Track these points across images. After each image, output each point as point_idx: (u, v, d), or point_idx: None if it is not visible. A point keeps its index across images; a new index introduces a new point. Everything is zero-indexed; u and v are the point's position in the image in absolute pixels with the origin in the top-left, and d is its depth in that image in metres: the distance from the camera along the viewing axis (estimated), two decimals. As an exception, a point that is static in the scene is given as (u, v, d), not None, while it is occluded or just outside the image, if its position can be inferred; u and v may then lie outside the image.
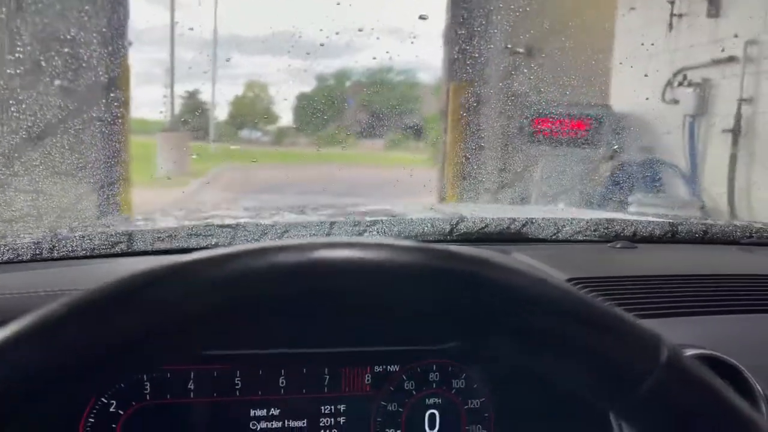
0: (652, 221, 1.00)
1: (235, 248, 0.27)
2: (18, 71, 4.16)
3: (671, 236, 0.91)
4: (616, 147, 3.83)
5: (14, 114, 4.09)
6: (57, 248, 0.66)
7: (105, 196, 4.27)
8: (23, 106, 4.09)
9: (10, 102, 4.13)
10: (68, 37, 4.14)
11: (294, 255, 0.27)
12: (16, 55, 4.11)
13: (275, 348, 0.32)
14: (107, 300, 0.26)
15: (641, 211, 3.16)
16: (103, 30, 4.21)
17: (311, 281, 0.27)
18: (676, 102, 3.42)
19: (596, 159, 3.82)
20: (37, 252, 0.65)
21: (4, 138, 4.07)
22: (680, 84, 3.38)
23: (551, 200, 3.84)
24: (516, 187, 4.62)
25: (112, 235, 0.74)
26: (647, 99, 3.62)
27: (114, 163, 4.30)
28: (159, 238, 0.71)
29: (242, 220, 0.89)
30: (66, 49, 4.18)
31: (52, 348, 0.25)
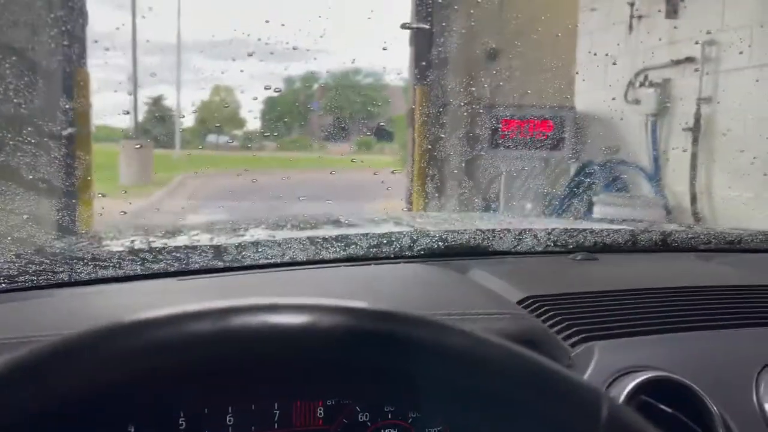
0: (613, 230, 0.99)
1: (148, 316, 0.25)
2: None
3: (632, 245, 0.91)
4: (579, 148, 3.87)
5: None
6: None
7: (64, 210, 4.15)
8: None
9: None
10: (24, 45, 4.02)
11: (207, 323, 0.25)
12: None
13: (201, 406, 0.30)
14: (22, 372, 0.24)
15: (605, 212, 3.19)
16: (61, 36, 4.10)
17: (226, 351, 0.25)
18: (638, 102, 3.47)
19: (561, 160, 3.86)
20: None
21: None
22: (642, 84, 3.43)
23: (517, 203, 3.86)
24: (481, 190, 4.64)
25: (49, 263, 0.70)
26: (610, 100, 3.67)
27: (74, 174, 4.19)
28: (102, 266, 0.67)
29: (198, 240, 0.87)
30: (20, 57, 4.05)
31: None
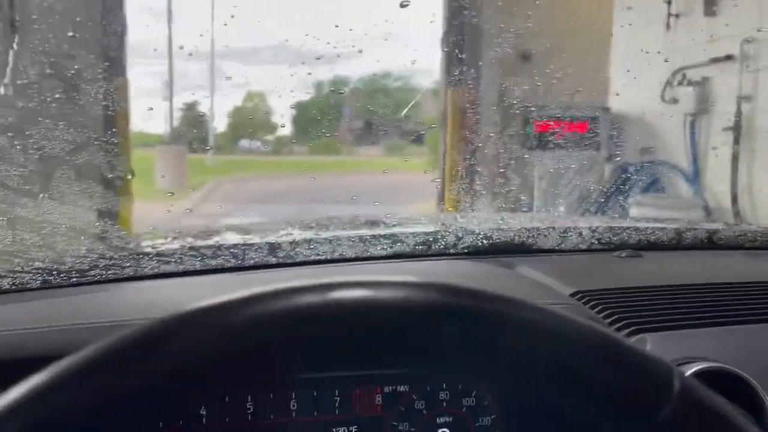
0: (657, 227, 0.99)
1: (263, 290, 0.27)
2: (16, 90, 4.16)
3: (676, 243, 0.90)
4: (616, 148, 3.82)
5: (13, 133, 4.08)
6: (66, 275, 0.66)
7: (105, 214, 4.26)
8: (22, 124, 4.08)
9: (9, 120, 4.12)
10: (66, 53, 4.14)
11: (317, 296, 0.27)
12: (15, 75, 4.12)
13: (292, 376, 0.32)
14: (141, 343, 0.26)
15: (644, 214, 3.15)
16: (102, 46, 4.22)
17: (335, 322, 0.27)
18: (675, 101, 3.40)
19: (597, 161, 3.81)
20: (48, 280, 0.64)
21: (4, 157, 4.06)
22: (680, 83, 3.37)
23: (553, 205, 3.82)
24: (517, 192, 4.61)
25: (118, 258, 0.74)
26: (647, 99, 3.61)
27: (114, 180, 4.30)
28: (165, 261, 0.70)
29: (251, 239, 0.89)
30: (63, 66, 4.18)
31: (85, 393, 0.25)
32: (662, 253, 0.86)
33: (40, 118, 4.22)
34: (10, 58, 4.11)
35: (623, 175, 3.68)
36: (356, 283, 0.28)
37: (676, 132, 3.49)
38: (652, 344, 0.55)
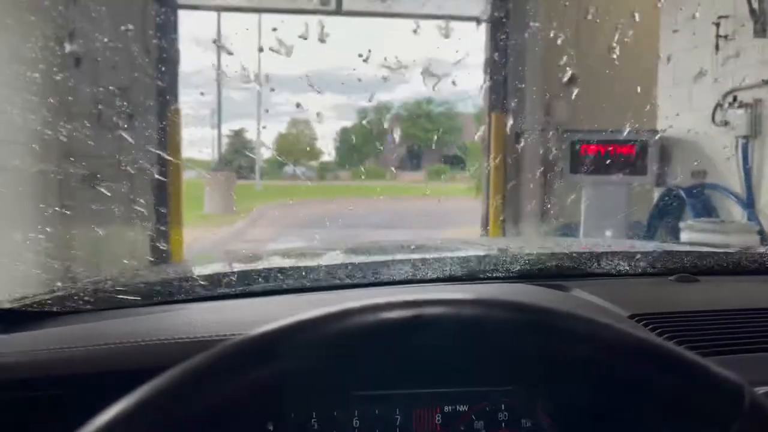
0: (712, 252, 0.96)
1: (351, 305, 0.29)
2: (77, 120, 4.36)
3: (733, 267, 0.88)
4: (666, 172, 3.74)
5: (72, 161, 4.27)
6: (146, 296, 0.69)
7: (157, 240, 4.39)
8: (81, 152, 4.28)
9: (69, 149, 4.31)
10: (124, 86, 4.33)
11: (401, 312, 0.28)
12: (75, 105, 4.32)
13: (368, 390, 0.33)
14: (256, 348, 0.28)
15: (696, 239, 3.07)
16: (156, 77, 4.39)
17: (416, 337, 0.28)
18: (726, 124, 3.31)
19: (644, 185, 3.74)
20: (135, 300, 0.68)
21: (63, 184, 4.26)
22: (730, 105, 3.29)
23: (600, 230, 3.76)
24: (563, 217, 4.56)
25: (195, 278, 0.77)
26: (697, 122, 3.53)
27: (166, 206, 4.44)
28: (232, 283, 0.73)
29: (307, 263, 0.91)
30: (120, 97, 4.36)
31: (196, 398, 0.27)
32: (718, 278, 0.83)
33: (98, 147, 4.39)
34: (73, 91, 4.31)
35: (673, 200, 3.59)
36: (440, 301, 0.29)
37: (728, 155, 3.40)
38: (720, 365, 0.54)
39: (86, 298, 0.68)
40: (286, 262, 0.98)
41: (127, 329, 0.53)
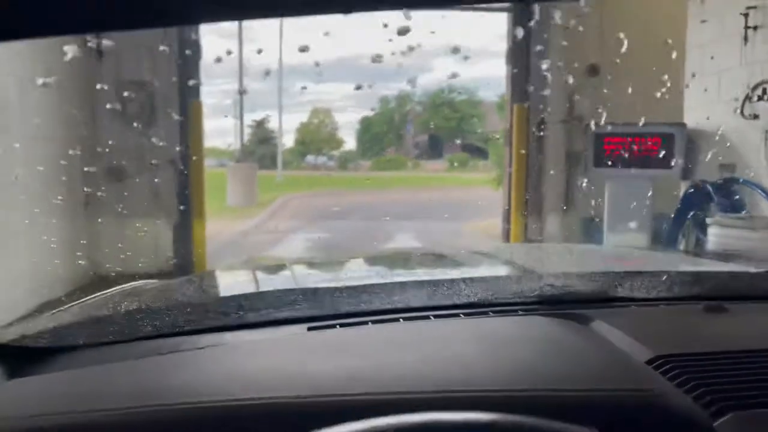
0: (740, 273, 0.92)
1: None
2: (100, 114, 4.41)
3: (763, 292, 0.83)
4: (691, 166, 3.66)
5: (97, 153, 4.32)
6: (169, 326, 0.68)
7: (180, 232, 4.42)
8: (105, 146, 4.32)
9: (93, 141, 4.36)
10: (146, 79, 4.36)
11: None
12: (100, 100, 4.36)
13: None
14: None
15: (722, 234, 3.00)
16: (178, 70, 4.41)
17: None
18: (756, 117, 3.22)
19: (670, 179, 3.67)
20: (155, 330, 0.66)
21: (87, 178, 4.31)
22: (760, 98, 3.19)
23: (624, 224, 3.70)
24: (586, 213, 4.49)
25: (201, 305, 0.75)
26: (724, 114, 3.45)
27: (188, 198, 4.48)
28: (239, 309, 0.72)
29: (333, 284, 0.90)
30: (142, 91, 4.40)
31: None
32: (749, 305, 0.79)
33: (120, 140, 4.43)
34: (97, 85, 4.35)
35: (699, 194, 3.51)
36: None
37: (757, 148, 3.32)
38: (742, 425, 0.50)
39: (89, 330, 0.67)
40: (299, 279, 0.98)
41: (134, 381, 0.51)
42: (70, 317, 0.74)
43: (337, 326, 0.67)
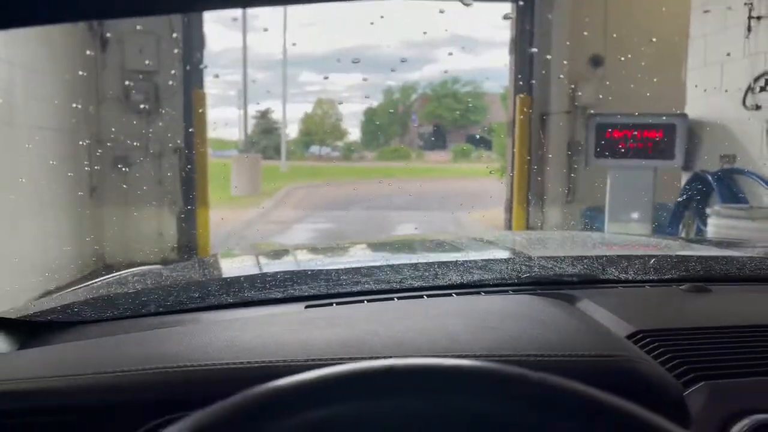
0: (727, 257, 0.94)
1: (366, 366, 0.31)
2: (104, 103, 4.44)
3: (748, 274, 0.85)
4: (692, 156, 3.67)
5: (101, 142, 4.35)
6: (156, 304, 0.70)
7: (184, 221, 4.46)
8: (109, 135, 4.35)
9: (99, 132, 4.40)
10: (149, 69, 4.38)
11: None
12: (104, 89, 4.39)
13: None
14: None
15: (722, 224, 3.01)
16: (181, 59, 4.42)
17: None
18: (758, 107, 3.22)
19: (671, 169, 3.68)
20: (152, 307, 0.69)
21: (92, 167, 4.35)
22: (762, 89, 3.19)
23: (626, 214, 3.71)
24: (588, 202, 4.51)
25: (218, 283, 0.78)
26: (726, 105, 3.45)
27: (192, 188, 4.51)
28: (239, 289, 0.74)
29: (319, 265, 0.93)
30: (146, 81, 4.42)
31: None
32: (733, 287, 0.80)
33: (125, 130, 4.46)
34: (101, 75, 4.38)
35: (700, 184, 3.52)
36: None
37: (758, 139, 3.32)
38: (714, 393, 0.52)
39: (96, 307, 0.70)
40: (299, 262, 1.00)
41: (140, 349, 0.53)
42: (76, 296, 0.77)
43: (334, 304, 0.70)
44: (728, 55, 3.45)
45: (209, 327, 0.62)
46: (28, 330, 0.65)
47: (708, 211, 3.21)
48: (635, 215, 3.68)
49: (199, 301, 0.71)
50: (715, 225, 3.11)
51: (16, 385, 0.49)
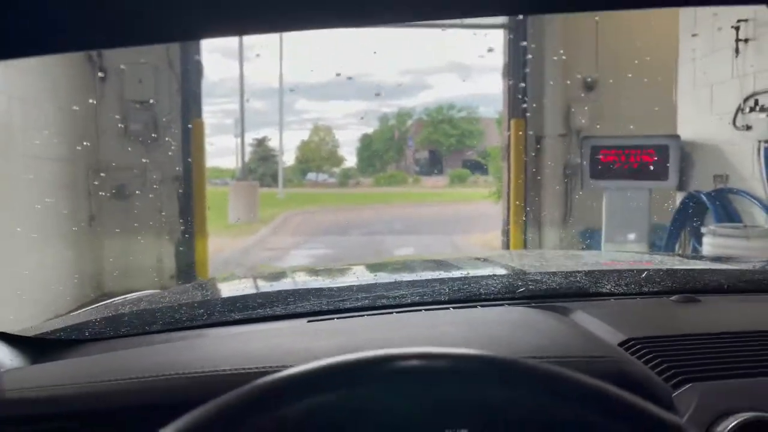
0: (716, 269, 0.96)
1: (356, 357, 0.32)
2: (103, 133, 4.47)
3: (735, 286, 0.87)
4: (685, 177, 3.71)
5: (100, 172, 4.38)
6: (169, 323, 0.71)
7: (183, 249, 4.46)
8: (108, 164, 4.38)
9: (98, 162, 4.42)
10: (148, 99, 4.43)
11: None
12: (102, 120, 4.43)
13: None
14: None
15: (717, 243, 3.04)
16: (180, 90, 4.48)
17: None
18: (748, 128, 3.26)
19: (666, 190, 3.71)
20: (156, 326, 0.70)
21: (91, 196, 4.36)
22: (752, 109, 3.24)
23: (622, 237, 3.73)
24: (584, 224, 4.54)
25: (211, 303, 0.79)
26: (717, 126, 3.50)
27: (191, 216, 4.52)
28: (243, 307, 0.75)
29: (318, 283, 0.94)
30: (144, 111, 4.46)
31: None
32: (720, 297, 0.82)
33: (123, 159, 4.49)
34: (100, 105, 4.42)
35: (694, 204, 3.56)
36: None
37: (750, 159, 3.36)
38: (701, 394, 0.54)
39: (105, 326, 0.71)
40: (299, 283, 1.02)
41: (148, 360, 0.55)
42: (83, 317, 0.78)
43: (335, 319, 0.71)
44: (718, 78, 3.51)
45: (214, 340, 0.63)
46: (40, 347, 0.68)
47: (703, 230, 3.23)
48: (631, 236, 3.70)
49: (204, 319, 0.72)
50: (710, 244, 3.13)
51: (30, 394, 0.51)
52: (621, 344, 0.62)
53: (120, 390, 0.51)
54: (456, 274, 0.96)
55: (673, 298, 0.77)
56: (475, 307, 0.75)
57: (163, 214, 4.31)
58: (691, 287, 0.83)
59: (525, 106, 5.08)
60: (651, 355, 0.59)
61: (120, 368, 0.55)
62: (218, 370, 0.51)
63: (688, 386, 0.55)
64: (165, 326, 0.71)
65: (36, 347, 0.66)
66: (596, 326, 0.67)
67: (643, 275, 0.85)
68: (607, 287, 0.82)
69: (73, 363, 0.60)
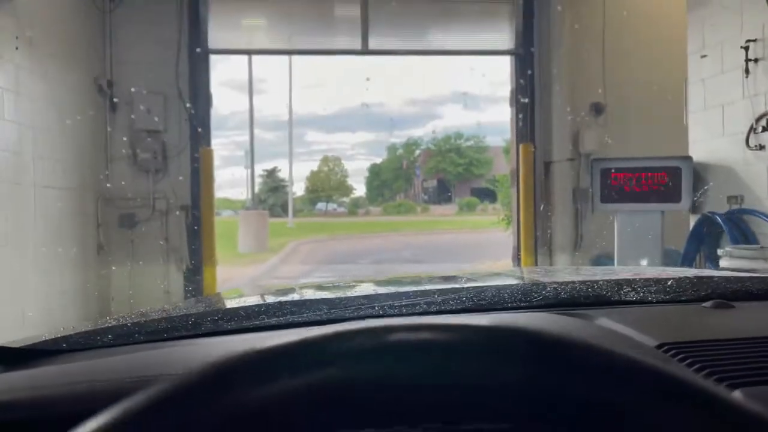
0: (748, 276, 0.92)
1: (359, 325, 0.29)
2: (113, 162, 4.49)
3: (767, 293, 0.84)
4: (699, 198, 3.66)
5: (109, 201, 4.38)
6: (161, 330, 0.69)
7: (190, 278, 4.43)
8: (117, 193, 4.39)
9: (105, 190, 4.44)
10: (157, 128, 4.46)
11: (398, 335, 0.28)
12: (111, 147, 4.46)
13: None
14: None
15: (733, 265, 2.98)
16: (190, 120, 4.50)
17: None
18: (761, 147, 3.22)
19: (679, 212, 3.66)
20: (151, 334, 0.68)
21: (99, 225, 4.36)
22: (764, 129, 3.21)
23: (635, 259, 3.67)
24: (596, 248, 4.48)
25: (204, 313, 0.76)
26: (730, 146, 3.46)
27: (199, 245, 4.51)
28: (238, 317, 0.73)
29: (327, 295, 0.91)
30: (154, 140, 4.49)
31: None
32: (754, 304, 0.79)
33: (132, 188, 4.50)
34: (110, 134, 4.45)
35: (708, 226, 3.50)
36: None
37: (764, 179, 3.32)
38: (749, 398, 0.50)
39: (90, 336, 0.69)
40: (303, 295, 0.99)
41: (134, 364, 0.52)
42: (66, 332, 0.76)
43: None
44: (728, 98, 3.49)
45: (205, 347, 0.60)
46: (14, 357, 0.65)
47: (719, 252, 3.17)
48: (644, 260, 3.64)
49: (195, 329, 0.69)
50: (727, 266, 3.07)
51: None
52: (656, 348, 0.58)
53: (102, 392, 0.48)
54: (469, 285, 0.92)
55: (705, 304, 0.73)
56: (495, 313, 0.71)
57: (172, 243, 4.30)
58: (724, 294, 0.78)
59: (533, 131, 5.07)
60: (689, 360, 0.55)
61: (102, 371, 0.52)
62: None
63: (735, 391, 0.51)
64: (152, 336, 0.68)
65: (10, 357, 0.64)
66: (623, 332, 0.62)
67: (670, 283, 0.80)
68: (632, 295, 0.78)
69: (47, 370, 0.58)
